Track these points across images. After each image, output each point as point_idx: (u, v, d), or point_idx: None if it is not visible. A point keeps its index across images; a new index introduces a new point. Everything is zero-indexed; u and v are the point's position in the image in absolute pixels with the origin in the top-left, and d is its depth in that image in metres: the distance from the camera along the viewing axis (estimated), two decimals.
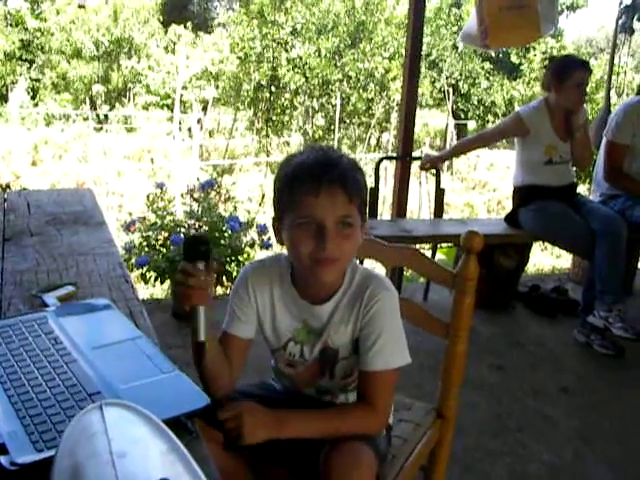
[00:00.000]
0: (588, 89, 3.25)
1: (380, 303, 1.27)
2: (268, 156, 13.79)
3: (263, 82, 14.09)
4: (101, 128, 15.39)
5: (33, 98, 16.64)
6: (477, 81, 15.53)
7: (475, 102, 15.76)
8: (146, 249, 3.18)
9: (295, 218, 1.18)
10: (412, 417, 1.60)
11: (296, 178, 1.18)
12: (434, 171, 3.69)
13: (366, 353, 1.27)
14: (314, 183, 1.15)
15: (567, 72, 3.14)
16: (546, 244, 8.59)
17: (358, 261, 1.40)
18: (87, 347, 1.02)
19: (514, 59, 16.01)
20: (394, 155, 4.00)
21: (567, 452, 2.38)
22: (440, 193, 3.62)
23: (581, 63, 3.24)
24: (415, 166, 3.91)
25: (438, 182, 3.64)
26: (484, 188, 12.40)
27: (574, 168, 3.46)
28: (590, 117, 3.80)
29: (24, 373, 0.95)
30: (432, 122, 16.57)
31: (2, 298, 1.26)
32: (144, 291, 4.75)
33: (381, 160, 3.67)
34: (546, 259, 8.18)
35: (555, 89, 3.20)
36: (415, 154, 3.85)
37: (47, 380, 0.93)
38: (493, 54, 15.17)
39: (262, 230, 3.31)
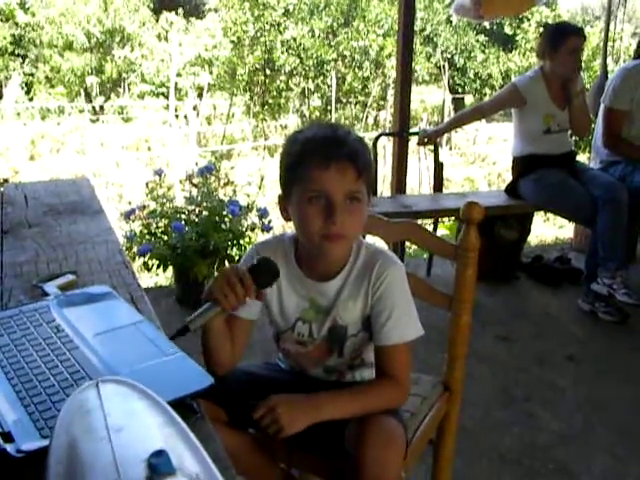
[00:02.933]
0: (584, 57, 3.22)
1: (390, 278, 1.28)
2: (266, 140, 13.73)
3: (257, 65, 13.99)
4: (97, 119, 15.33)
5: (28, 93, 16.55)
6: (473, 54, 15.39)
7: (471, 76, 15.64)
8: (147, 237, 3.18)
9: (304, 192, 1.18)
10: (419, 391, 1.60)
11: (306, 153, 1.18)
12: (432, 147, 3.67)
13: (381, 329, 1.28)
14: (324, 157, 1.15)
15: (561, 39, 3.12)
16: (548, 215, 8.57)
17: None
18: (89, 334, 1.02)
19: (508, 30, 15.85)
20: (391, 131, 3.98)
21: (576, 420, 2.39)
22: (439, 167, 3.61)
23: (575, 29, 3.21)
24: (413, 144, 3.90)
25: (437, 156, 3.63)
26: (484, 162, 12.35)
27: (573, 136, 3.44)
28: (587, 86, 3.77)
29: (27, 362, 0.95)
30: (429, 98, 16.44)
31: (2, 290, 1.26)
32: (147, 280, 4.77)
33: (379, 137, 3.65)
34: (548, 230, 8.16)
35: (549, 57, 3.17)
36: (413, 130, 3.83)
37: (50, 368, 0.93)
38: (487, 25, 15.02)
39: (263, 213, 3.30)
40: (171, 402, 0.69)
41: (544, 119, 3.24)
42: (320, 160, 1.16)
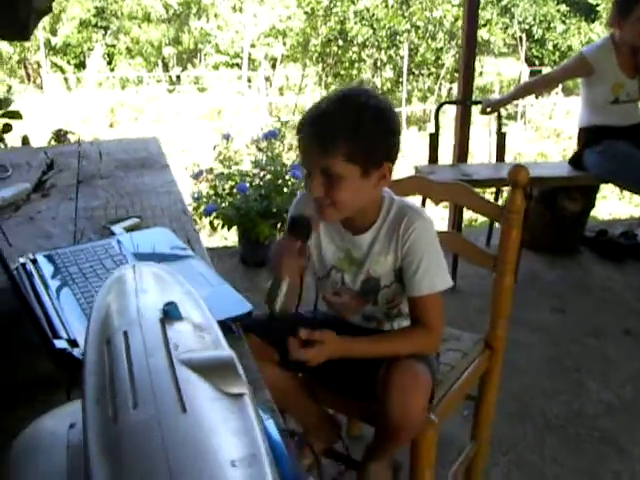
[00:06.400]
0: None
1: (417, 231, 1.33)
2: None
3: (330, 36, 13.99)
4: (174, 89, 15.73)
5: (109, 63, 17.12)
6: (552, 25, 14.82)
7: (550, 48, 15.09)
8: (213, 198, 3.32)
9: None
10: (460, 346, 1.66)
11: (298, 127, 1.28)
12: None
13: (412, 279, 1.34)
14: (299, 134, 1.26)
15: (631, 5, 3.02)
16: (624, 193, 8.26)
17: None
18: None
19: None
20: (454, 100, 3.96)
21: (626, 392, 2.38)
22: (501, 137, 3.57)
23: None
24: (483, 118, 3.86)
25: (499, 126, 3.60)
26: (559, 137, 11.98)
27: None
28: None
29: (94, 287, 1.07)
30: (506, 71, 15.99)
31: (76, 230, 1.41)
32: (213, 241, 4.96)
33: (441, 105, 3.65)
34: (624, 208, 7.89)
35: (619, 24, 3.08)
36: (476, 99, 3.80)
37: None
38: None
39: None
40: None
41: (613, 88, 3.15)
42: (298, 136, 1.26)
